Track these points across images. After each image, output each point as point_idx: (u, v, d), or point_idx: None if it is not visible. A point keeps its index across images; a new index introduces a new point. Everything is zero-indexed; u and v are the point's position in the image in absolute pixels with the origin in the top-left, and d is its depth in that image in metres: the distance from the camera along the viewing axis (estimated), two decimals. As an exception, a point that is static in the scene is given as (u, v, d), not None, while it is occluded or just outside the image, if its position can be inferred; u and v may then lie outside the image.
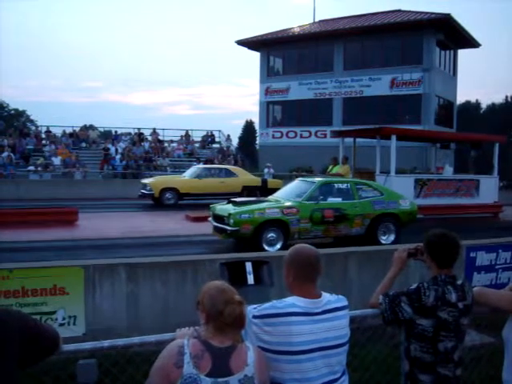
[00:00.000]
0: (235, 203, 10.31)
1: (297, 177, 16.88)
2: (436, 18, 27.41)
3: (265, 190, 16.18)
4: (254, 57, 39.74)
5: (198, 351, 1.93)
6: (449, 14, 26.82)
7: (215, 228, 10.20)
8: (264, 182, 18.56)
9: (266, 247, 9.54)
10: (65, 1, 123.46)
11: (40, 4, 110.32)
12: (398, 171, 15.81)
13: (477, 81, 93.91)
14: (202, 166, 20.82)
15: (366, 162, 16.48)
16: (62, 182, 21.88)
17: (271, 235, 9.64)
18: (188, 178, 17.82)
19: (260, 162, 32.10)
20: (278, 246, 9.64)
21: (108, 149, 26.41)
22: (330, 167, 15.95)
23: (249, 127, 59.00)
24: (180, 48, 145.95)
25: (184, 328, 2.27)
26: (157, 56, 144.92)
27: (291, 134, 32.19)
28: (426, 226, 7.38)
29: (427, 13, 28.30)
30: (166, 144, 30.05)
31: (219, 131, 33.18)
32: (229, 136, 32.84)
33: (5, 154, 23.12)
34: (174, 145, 29.97)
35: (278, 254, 6.43)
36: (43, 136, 28.26)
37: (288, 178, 19.81)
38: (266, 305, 2.21)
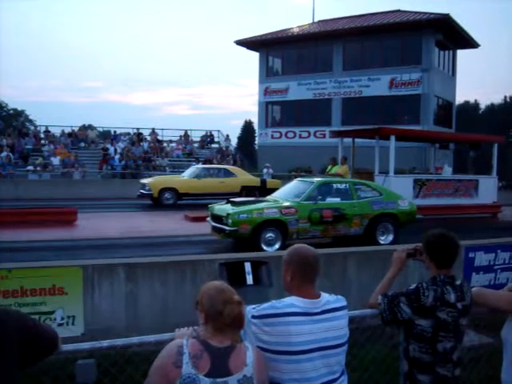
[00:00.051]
0: (234, 203, 10.31)
1: (296, 177, 16.88)
2: (435, 19, 27.43)
3: (264, 190, 16.19)
4: (253, 57, 39.72)
5: (197, 351, 1.93)
6: (448, 15, 26.85)
7: (214, 228, 10.20)
8: (263, 182, 18.58)
9: (265, 247, 9.54)
10: (65, 1, 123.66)
11: (40, 4, 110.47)
12: (397, 171, 15.82)
13: (476, 81, 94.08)
14: (200, 166, 20.81)
15: (364, 162, 16.48)
16: (60, 181, 21.88)
17: (270, 235, 9.64)
18: (187, 178, 17.82)
19: (259, 162, 32.11)
20: (277, 246, 9.64)
21: (107, 149, 26.40)
22: (329, 167, 15.95)
23: (248, 127, 59.00)
24: (180, 48, 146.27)
25: (183, 328, 2.27)
26: (157, 56, 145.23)
27: (290, 134, 32.20)
28: (425, 226, 7.39)
29: (426, 13, 28.33)
30: (165, 144, 30.04)
31: (218, 131, 33.21)
32: (228, 136, 32.85)
33: (4, 154, 23.11)
34: (173, 145, 29.95)
35: (276, 254, 6.42)
36: (42, 136, 28.25)
37: (287, 178, 19.80)
38: (265, 305, 2.21)
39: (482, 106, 55.85)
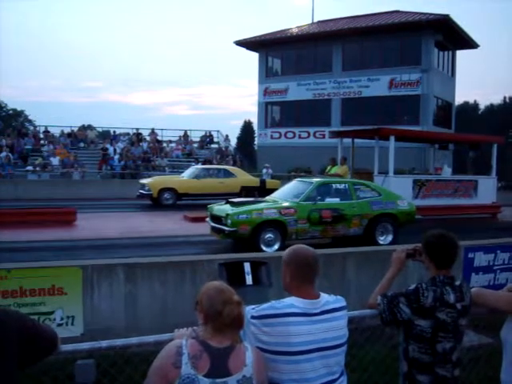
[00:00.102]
0: (233, 204, 10.30)
1: (295, 177, 16.88)
2: (434, 19, 27.44)
3: (263, 191, 16.19)
4: (253, 57, 39.68)
5: (197, 351, 1.93)
6: (447, 15, 26.87)
7: (213, 228, 10.19)
8: (262, 182, 18.58)
9: (264, 248, 9.53)
10: (65, 1, 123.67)
11: (40, 4, 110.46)
12: (397, 172, 15.82)
13: (475, 82, 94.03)
14: (200, 166, 20.83)
15: (364, 162, 16.49)
16: (60, 182, 21.89)
17: (269, 236, 9.64)
18: (186, 178, 17.82)
19: (258, 162, 32.11)
20: (276, 246, 9.63)
21: (106, 149, 26.39)
22: (329, 168, 15.96)
23: (247, 128, 58.98)
24: (180, 48, 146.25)
25: (182, 328, 2.27)
26: (157, 56, 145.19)
27: (290, 135, 32.20)
28: (425, 226, 7.39)
29: (426, 14, 28.33)
30: (164, 144, 30.05)
31: (218, 131, 33.20)
32: (227, 136, 32.83)
33: (3, 154, 23.12)
34: (173, 145, 29.94)
35: (276, 255, 6.43)
36: (41, 136, 28.24)
37: (286, 179, 19.80)
38: (265, 305, 2.21)
39: (482, 106, 55.93)
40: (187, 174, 18.38)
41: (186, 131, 31.60)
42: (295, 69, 31.99)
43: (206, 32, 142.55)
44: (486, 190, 16.03)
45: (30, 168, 23.44)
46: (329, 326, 2.23)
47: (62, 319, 5.18)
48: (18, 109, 58.01)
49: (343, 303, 2.36)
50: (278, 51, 32.92)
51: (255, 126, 41.99)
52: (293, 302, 2.21)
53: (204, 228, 10.87)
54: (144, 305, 5.76)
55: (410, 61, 28.39)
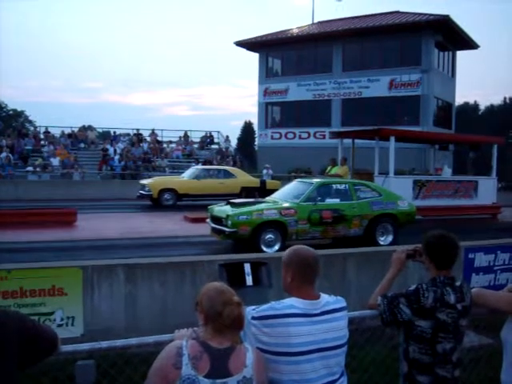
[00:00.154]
0: (233, 204, 10.31)
1: (295, 178, 16.88)
2: (434, 20, 27.46)
3: (263, 191, 16.19)
4: (253, 58, 39.70)
5: (197, 352, 1.93)
6: (447, 16, 26.87)
7: (213, 229, 10.19)
8: (262, 183, 18.57)
9: (264, 248, 9.54)
10: (65, 1, 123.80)
11: (40, 4, 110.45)
12: (397, 172, 15.82)
13: (475, 82, 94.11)
14: (200, 166, 20.83)
15: (364, 163, 16.50)
16: (60, 182, 21.90)
17: (269, 236, 9.64)
18: (187, 178, 17.83)
19: (259, 163, 32.11)
20: (276, 247, 9.63)
21: (106, 149, 26.40)
22: (329, 168, 15.96)
23: (247, 128, 59.00)
24: (180, 48, 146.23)
25: (182, 329, 2.26)
26: (157, 56, 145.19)
27: (290, 135, 32.21)
28: (425, 227, 7.40)
29: (426, 14, 28.35)
30: (164, 145, 30.03)
31: (218, 132, 33.19)
32: (227, 137, 32.83)
33: (3, 155, 23.11)
34: (173, 146, 29.94)
35: (276, 255, 6.42)
36: (42, 137, 28.23)
37: (287, 179, 19.81)
38: (265, 306, 2.20)
39: (482, 107, 55.91)
40: (187, 174, 18.38)
41: (186, 132, 31.60)
42: (295, 69, 32.00)
43: (206, 32, 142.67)
44: (486, 190, 16.03)
45: (30, 169, 23.44)
46: (329, 327, 2.23)
47: (62, 320, 5.18)
48: (19, 109, 58.10)
49: (343, 304, 2.36)
50: (278, 52, 32.93)
51: (255, 127, 42.02)
52: (293, 303, 2.21)
53: (204, 229, 10.87)
54: (144, 305, 5.76)
55: (410, 61, 28.40)
